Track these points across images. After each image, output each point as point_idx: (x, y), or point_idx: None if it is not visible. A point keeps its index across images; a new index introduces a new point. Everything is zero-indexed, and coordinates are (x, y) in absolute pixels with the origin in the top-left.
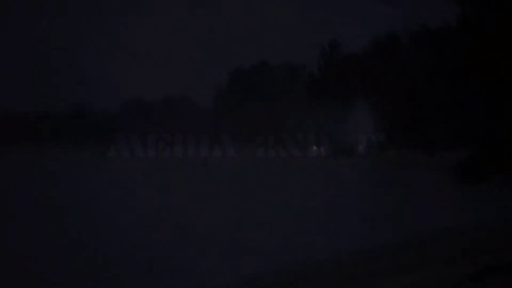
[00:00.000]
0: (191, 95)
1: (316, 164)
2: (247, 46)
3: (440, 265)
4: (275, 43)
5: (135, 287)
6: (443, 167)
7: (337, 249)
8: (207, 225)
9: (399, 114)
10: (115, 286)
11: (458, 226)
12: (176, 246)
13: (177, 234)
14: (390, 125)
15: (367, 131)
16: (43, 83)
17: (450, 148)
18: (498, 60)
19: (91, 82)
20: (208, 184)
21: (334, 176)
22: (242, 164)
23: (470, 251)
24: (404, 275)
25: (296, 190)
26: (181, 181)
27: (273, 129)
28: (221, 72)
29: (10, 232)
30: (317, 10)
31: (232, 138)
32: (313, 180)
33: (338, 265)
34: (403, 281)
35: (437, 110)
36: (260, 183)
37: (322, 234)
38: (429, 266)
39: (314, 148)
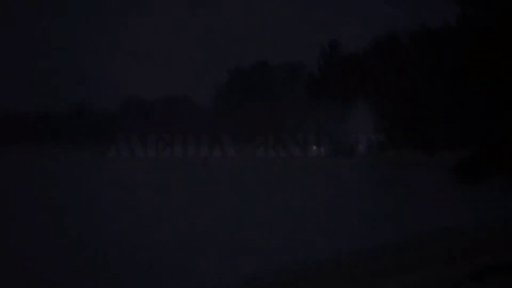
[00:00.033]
0: (191, 95)
1: (316, 164)
2: (247, 46)
3: (440, 265)
4: (275, 43)
5: (135, 287)
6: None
7: (337, 249)
8: (207, 225)
9: (399, 114)
10: (115, 286)
11: (458, 226)
12: (176, 246)
13: (177, 234)
14: (390, 125)
15: (367, 131)
16: (43, 83)
17: (450, 148)
18: (498, 60)
19: (91, 82)
20: (208, 184)
21: (334, 176)
22: (242, 164)
23: (470, 251)
24: (404, 275)
25: (296, 190)
26: (181, 181)
27: (273, 129)
28: (221, 72)
29: (10, 232)
30: (317, 10)
31: (232, 138)
32: (313, 180)
33: (338, 265)
34: (403, 281)
35: (437, 110)
36: (260, 183)
37: (322, 234)
38: (429, 266)
39: (314, 148)
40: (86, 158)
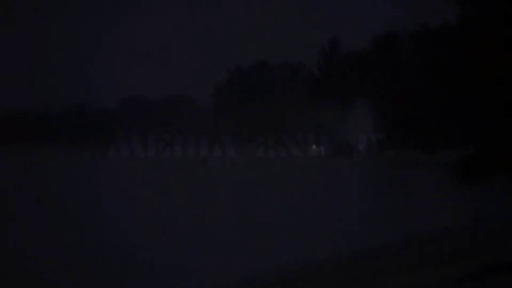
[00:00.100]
0: (191, 94)
1: (316, 164)
2: (247, 46)
3: (440, 265)
4: (275, 43)
5: (135, 287)
6: (443, 167)
7: (337, 249)
8: (207, 225)
9: (399, 114)
10: (115, 286)
11: (458, 226)
12: (176, 246)
13: (177, 234)
14: (390, 125)
15: (367, 131)
16: (43, 83)
17: (450, 148)
18: (498, 60)
19: (91, 82)
20: (208, 184)
21: (334, 176)
22: (242, 164)
23: (470, 251)
24: (404, 275)
25: (296, 190)
26: (181, 181)
27: (273, 129)
28: (221, 71)
29: (10, 231)
30: (317, 10)
31: (232, 138)
32: (313, 180)
33: (338, 265)
34: (403, 281)
35: (437, 110)
36: (260, 183)
37: (322, 234)
38: (429, 266)
39: (314, 147)
40: (86, 158)
